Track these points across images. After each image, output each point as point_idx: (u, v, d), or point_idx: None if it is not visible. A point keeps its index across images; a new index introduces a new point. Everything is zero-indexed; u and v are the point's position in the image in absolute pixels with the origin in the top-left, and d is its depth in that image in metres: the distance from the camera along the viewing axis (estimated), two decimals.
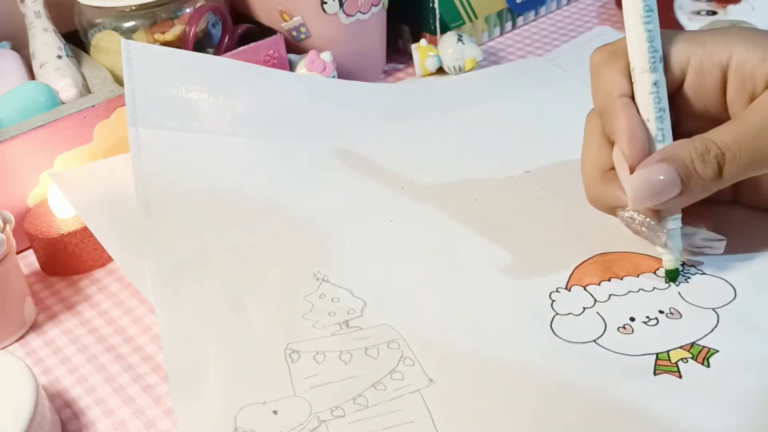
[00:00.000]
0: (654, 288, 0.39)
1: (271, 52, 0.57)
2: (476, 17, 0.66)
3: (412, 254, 0.43)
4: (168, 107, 0.50)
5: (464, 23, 0.65)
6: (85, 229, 0.46)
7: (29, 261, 0.49)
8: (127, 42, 0.50)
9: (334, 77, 0.58)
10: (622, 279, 0.39)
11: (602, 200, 0.39)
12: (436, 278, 0.41)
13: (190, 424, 0.35)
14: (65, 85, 0.51)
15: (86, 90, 0.53)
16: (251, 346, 0.38)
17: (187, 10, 0.56)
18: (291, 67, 0.59)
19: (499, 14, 0.68)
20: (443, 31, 0.64)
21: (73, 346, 0.42)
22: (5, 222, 0.42)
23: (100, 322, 0.44)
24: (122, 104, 0.50)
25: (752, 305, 0.37)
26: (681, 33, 0.39)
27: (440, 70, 0.62)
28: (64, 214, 0.47)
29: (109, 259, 0.48)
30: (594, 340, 0.37)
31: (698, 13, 0.62)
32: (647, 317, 0.37)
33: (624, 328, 0.37)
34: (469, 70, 0.61)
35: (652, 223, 0.37)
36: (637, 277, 0.39)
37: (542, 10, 0.71)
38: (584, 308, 0.38)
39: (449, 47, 0.61)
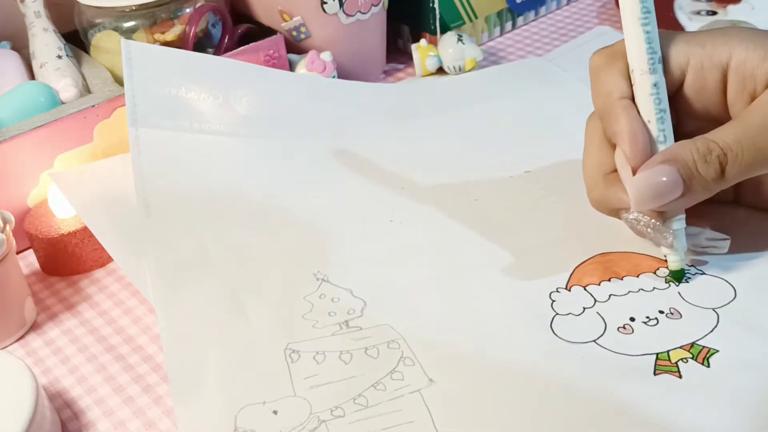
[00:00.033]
0: (654, 288, 0.39)
1: (271, 52, 0.57)
2: (476, 17, 0.66)
3: (412, 254, 0.43)
4: (168, 107, 0.50)
5: (464, 23, 0.65)
6: (85, 229, 0.46)
7: (29, 261, 0.49)
8: (127, 42, 0.50)
9: (334, 77, 0.58)
10: (622, 279, 0.39)
11: (605, 203, 0.39)
12: (436, 278, 0.41)
13: (190, 424, 0.35)
14: (65, 85, 0.51)
15: (86, 90, 0.53)
16: (251, 346, 0.38)
17: (187, 10, 0.56)
18: (291, 67, 0.59)
19: (499, 14, 0.68)
20: (443, 31, 0.64)
21: (73, 346, 0.42)
22: (5, 222, 0.42)
23: (100, 322, 0.44)
24: (122, 104, 0.50)
25: (752, 305, 0.37)
26: (680, 33, 0.39)
27: (440, 70, 0.62)
28: (64, 214, 0.47)
29: (109, 259, 0.48)
30: (594, 340, 0.37)
31: (698, 13, 0.62)
32: (647, 317, 0.37)
33: (624, 328, 0.37)
34: (469, 70, 0.61)
35: (658, 224, 0.37)
36: (637, 277, 0.39)
37: (542, 10, 0.71)
38: (584, 308, 0.38)
39: (449, 47, 0.61)
